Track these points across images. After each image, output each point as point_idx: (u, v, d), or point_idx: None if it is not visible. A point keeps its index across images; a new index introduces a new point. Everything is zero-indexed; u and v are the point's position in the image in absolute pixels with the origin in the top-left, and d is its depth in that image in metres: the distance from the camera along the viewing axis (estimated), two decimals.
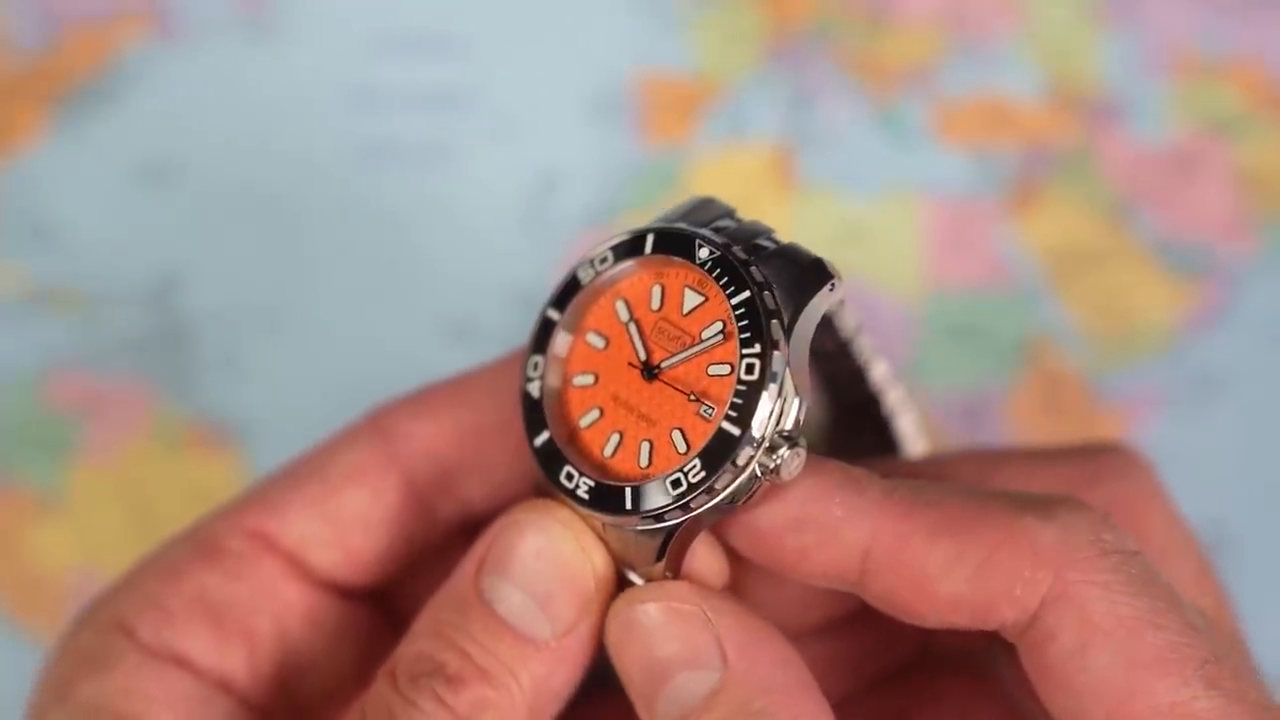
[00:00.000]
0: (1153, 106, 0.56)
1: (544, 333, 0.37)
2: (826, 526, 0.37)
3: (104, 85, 0.56)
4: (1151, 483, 0.42)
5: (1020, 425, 0.56)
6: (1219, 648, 0.36)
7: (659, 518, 0.36)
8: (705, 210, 0.38)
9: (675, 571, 0.37)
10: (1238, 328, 0.55)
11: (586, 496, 0.36)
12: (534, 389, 0.37)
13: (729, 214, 0.38)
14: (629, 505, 0.36)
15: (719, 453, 0.36)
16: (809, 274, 0.36)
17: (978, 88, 0.56)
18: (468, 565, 0.37)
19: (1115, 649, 0.35)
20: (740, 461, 0.35)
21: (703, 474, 0.36)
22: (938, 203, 0.56)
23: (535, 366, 0.37)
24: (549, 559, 0.37)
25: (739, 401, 0.36)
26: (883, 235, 0.56)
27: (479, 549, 0.37)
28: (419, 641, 0.37)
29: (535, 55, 0.56)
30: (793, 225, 0.56)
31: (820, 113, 0.56)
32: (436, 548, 0.42)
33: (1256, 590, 0.53)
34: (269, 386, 0.55)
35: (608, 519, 0.36)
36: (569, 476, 0.36)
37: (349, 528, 0.40)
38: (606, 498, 0.36)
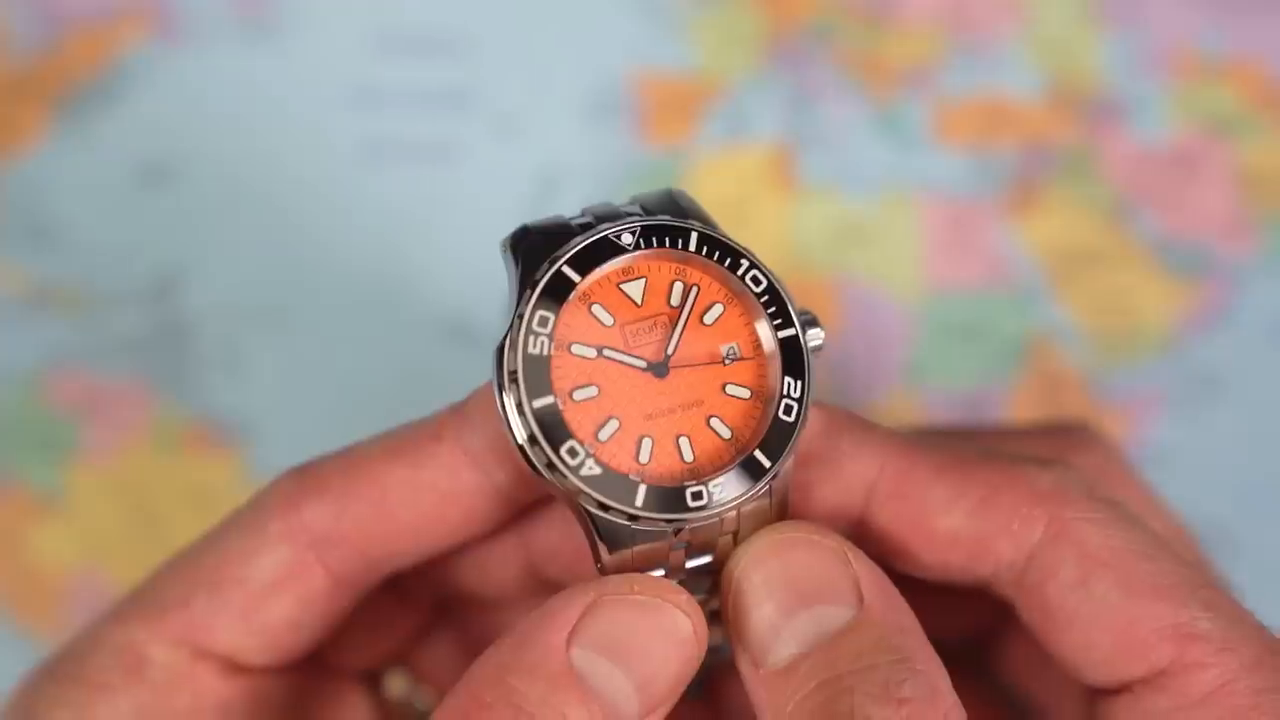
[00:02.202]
0: (1153, 106, 0.56)
1: (549, 424, 0.36)
2: (833, 460, 0.38)
3: (104, 85, 0.56)
4: (1119, 456, 0.44)
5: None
6: (1209, 578, 0.36)
7: (794, 448, 0.36)
8: (552, 230, 0.38)
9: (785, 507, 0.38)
10: (1238, 328, 0.55)
11: (725, 493, 0.36)
12: (590, 469, 0.36)
13: (564, 218, 0.38)
14: (767, 463, 0.36)
15: (795, 359, 0.37)
16: (681, 199, 0.38)
17: (978, 88, 0.56)
18: (550, 634, 0.35)
19: (1115, 578, 0.36)
20: (809, 354, 0.37)
21: (800, 383, 0.37)
22: (938, 203, 0.56)
23: (573, 453, 0.35)
24: (662, 643, 0.35)
25: (773, 310, 0.37)
26: (883, 235, 0.56)
27: (565, 616, 0.35)
28: (486, 714, 0.35)
29: (536, 55, 0.56)
30: (793, 225, 0.56)
31: (820, 113, 0.56)
32: (364, 610, 0.41)
33: (1256, 590, 0.52)
34: (269, 386, 0.55)
35: (758, 489, 0.36)
36: (697, 495, 0.36)
37: (279, 632, 0.39)
38: (746, 473, 0.36)
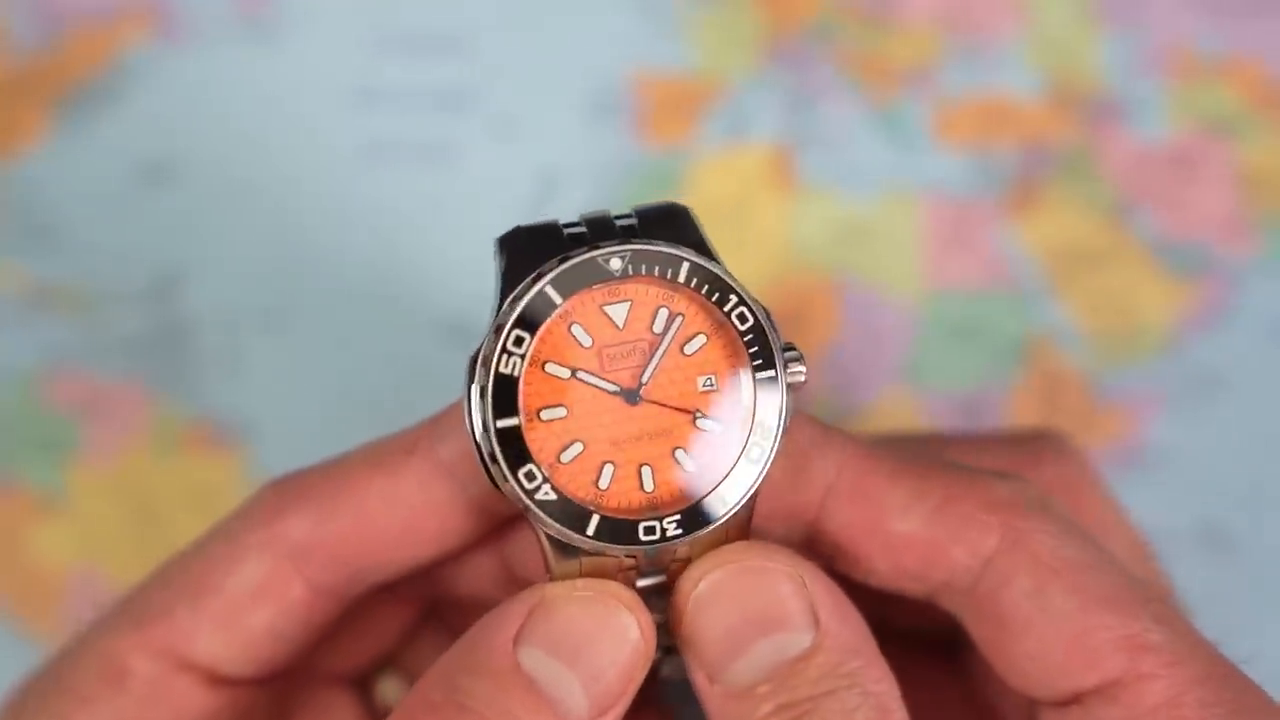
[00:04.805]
0: (1153, 106, 0.56)
1: (511, 444, 0.36)
2: (793, 458, 0.38)
3: (105, 85, 0.56)
4: (1087, 466, 0.45)
5: (1020, 425, 0.55)
6: (1159, 594, 0.37)
7: (756, 490, 0.36)
8: (543, 235, 0.37)
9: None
10: (1238, 328, 0.55)
11: (680, 530, 0.36)
12: (546, 494, 0.36)
13: (557, 224, 0.37)
14: (725, 505, 0.36)
15: (770, 401, 0.36)
16: (680, 217, 0.37)
17: (978, 88, 0.56)
18: (497, 635, 0.35)
19: (1069, 588, 0.36)
20: (787, 397, 0.36)
21: (769, 426, 0.36)
22: (938, 203, 0.56)
23: (530, 477, 0.36)
24: (608, 640, 0.35)
25: (755, 349, 0.36)
26: (883, 235, 0.56)
27: (511, 617, 0.36)
28: (434, 715, 0.35)
29: (535, 55, 0.56)
30: (793, 225, 0.56)
31: (820, 113, 0.56)
32: (349, 613, 0.41)
33: (1256, 590, 0.53)
34: (269, 386, 0.55)
35: (711, 528, 0.36)
36: (650, 530, 0.36)
37: (259, 642, 0.39)
38: (698, 515, 0.36)
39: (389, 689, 0.45)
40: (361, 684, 0.44)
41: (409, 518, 0.38)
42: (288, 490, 0.39)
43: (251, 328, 0.55)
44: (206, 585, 0.39)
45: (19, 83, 0.56)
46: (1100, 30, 0.56)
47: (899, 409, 0.55)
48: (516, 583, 0.42)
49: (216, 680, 0.39)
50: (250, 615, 0.39)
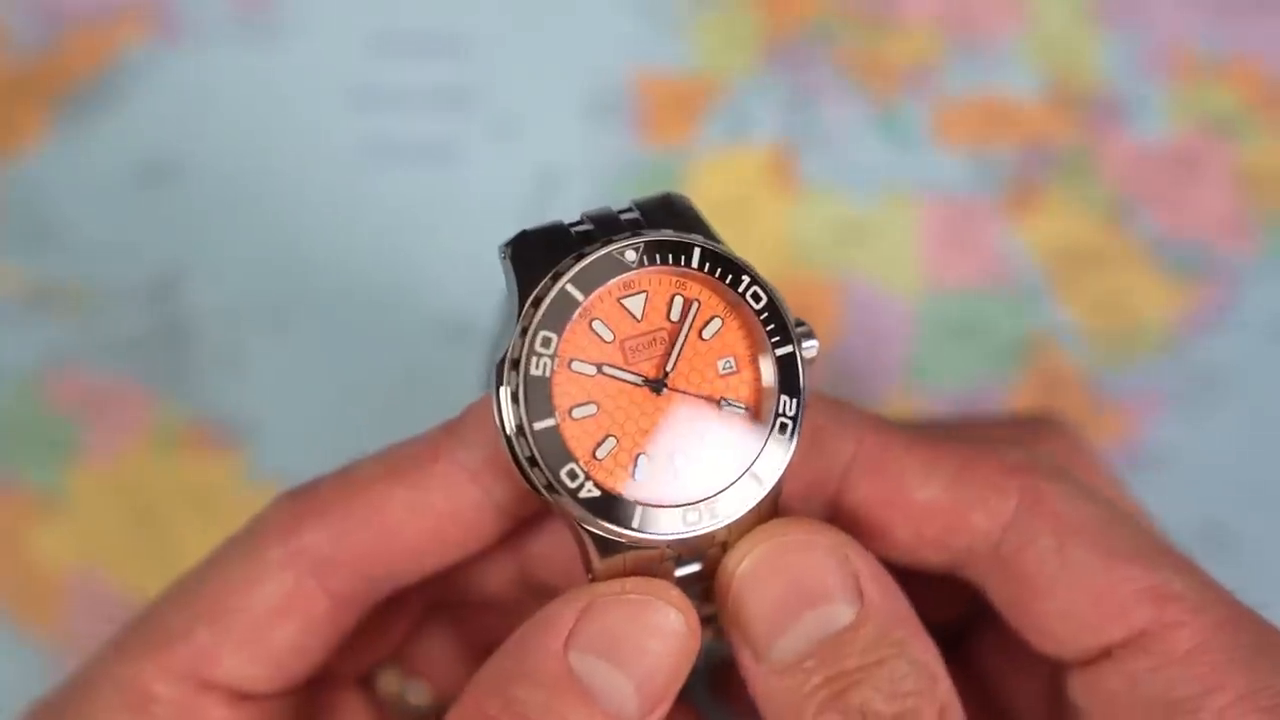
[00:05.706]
0: (1153, 106, 0.56)
1: (550, 445, 0.36)
2: (811, 435, 0.38)
3: (105, 85, 0.56)
4: (1083, 445, 0.45)
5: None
6: (1174, 547, 0.38)
7: (789, 465, 0.37)
8: (553, 236, 0.37)
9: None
10: (1238, 328, 0.55)
11: (720, 515, 0.36)
12: (589, 491, 0.36)
13: (563, 224, 0.38)
14: (761, 483, 0.36)
15: (791, 377, 0.37)
16: (678, 203, 0.38)
17: (978, 88, 0.56)
18: (548, 640, 0.35)
19: (1090, 544, 0.37)
20: (804, 370, 0.37)
21: (794, 401, 0.37)
22: (938, 203, 0.56)
23: (573, 476, 0.36)
24: (658, 640, 0.36)
25: (771, 327, 0.37)
26: (883, 235, 0.56)
27: (561, 621, 0.36)
28: None
29: (536, 55, 0.56)
30: (793, 225, 0.56)
31: (820, 113, 0.56)
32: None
33: (1256, 590, 0.52)
34: (270, 386, 0.55)
35: (750, 507, 0.36)
36: (690, 517, 0.36)
37: (283, 658, 0.39)
38: (735, 498, 0.36)
39: (390, 681, 0.45)
40: (365, 679, 0.45)
41: (435, 526, 0.38)
42: (305, 502, 0.39)
43: (252, 327, 0.55)
44: (228, 604, 0.38)
45: (19, 83, 0.56)
46: (1100, 30, 0.56)
47: (899, 409, 0.55)
48: (528, 583, 0.42)
49: (240, 698, 0.39)
50: (274, 632, 0.38)
